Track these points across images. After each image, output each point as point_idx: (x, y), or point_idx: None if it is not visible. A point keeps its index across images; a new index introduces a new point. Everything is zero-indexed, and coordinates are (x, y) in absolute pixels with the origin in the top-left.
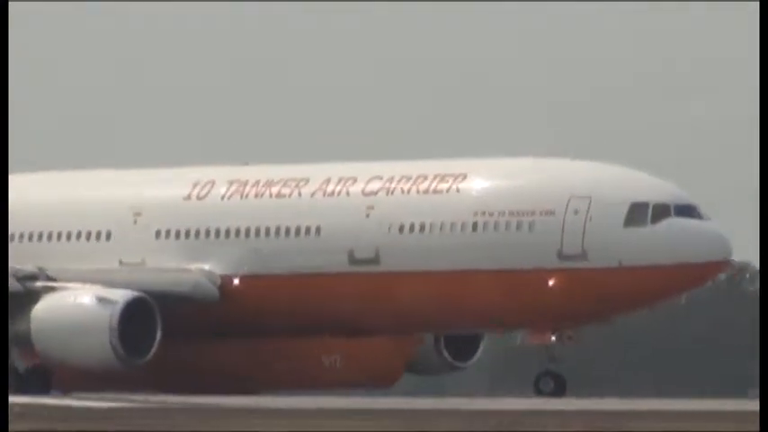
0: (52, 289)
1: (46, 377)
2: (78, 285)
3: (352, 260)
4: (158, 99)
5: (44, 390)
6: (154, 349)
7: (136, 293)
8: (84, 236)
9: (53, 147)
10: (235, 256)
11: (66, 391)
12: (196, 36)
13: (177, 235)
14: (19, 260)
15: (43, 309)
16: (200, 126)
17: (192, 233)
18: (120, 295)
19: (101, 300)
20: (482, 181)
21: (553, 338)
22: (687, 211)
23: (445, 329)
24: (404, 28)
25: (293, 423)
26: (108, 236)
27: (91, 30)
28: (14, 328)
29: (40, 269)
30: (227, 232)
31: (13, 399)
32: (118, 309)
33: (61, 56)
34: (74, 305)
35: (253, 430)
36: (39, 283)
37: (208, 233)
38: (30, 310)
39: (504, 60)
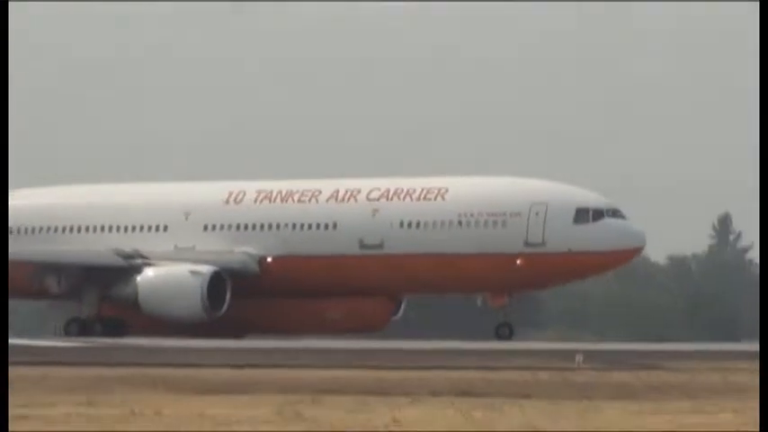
0: (149, 264)
1: (121, 325)
2: (167, 262)
3: (362, 246)
4: (194, 130)
5: (120, 334)
6: (225, 306)
7: (214, 268)
8: (146, 228)
9: (124, 165)
10: (267, 243)
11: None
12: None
13: (221, 228)
14: (106, 244)
15: (149, 278)
16: (227, 150)
17: (234, 226)
18: (205, 269)
19: (193, 272)
20: (463, 192)
21: (507, 300)
22: (615, 213)
23: (435, 293)
24: (394, 64)
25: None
26: (165, 228)
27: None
28: (119, 291)
29: (135, 250)
30: (261, 226)
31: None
32: (207, 278)
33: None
34: (174, 275)
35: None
36: (138, 260)
37: (246, 227)
38: (133, 279)
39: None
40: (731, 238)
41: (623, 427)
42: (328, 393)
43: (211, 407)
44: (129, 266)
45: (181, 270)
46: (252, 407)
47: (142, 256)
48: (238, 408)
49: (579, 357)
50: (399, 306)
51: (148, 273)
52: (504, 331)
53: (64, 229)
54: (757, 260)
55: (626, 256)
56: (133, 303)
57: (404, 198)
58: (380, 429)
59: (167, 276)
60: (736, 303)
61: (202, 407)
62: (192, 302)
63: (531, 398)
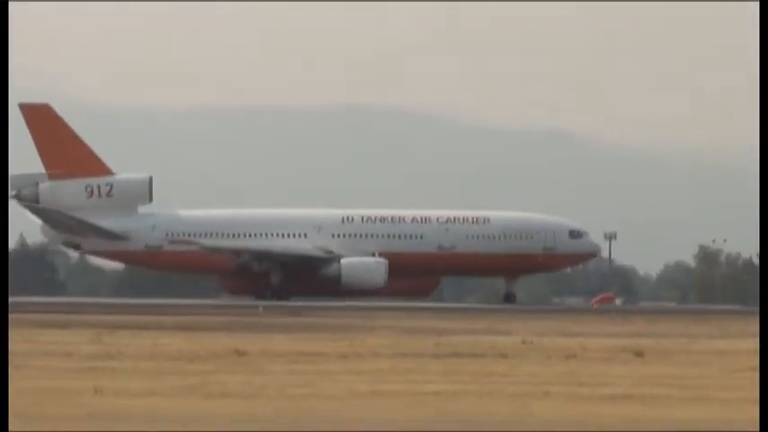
0: (341, 255)
1: (286, 291)
2: (350, 254)
3: (440, 248)
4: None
5: (287, 298)
6: (387, 279)
7: (383, 258)
8: (293, 235)
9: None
10: (372, 246)
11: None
12: None
13: (342, 236)
14: (270, 244)
15: (350, 263)
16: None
17: (350, 235)
18: (382, 259)
19: (376, 261)
20: (500, 219)
21: (515, 280)
22: (587, 234)
23: (482, 275)
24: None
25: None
26: (305, 235)
27: None
28: (324, 271)
29: (327, 247)
30: (368, 235)
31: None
32: (386, 264)
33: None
34: (367, 262)
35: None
36: (331, 254)
37: (357, 236)
38: (333, 264)
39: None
40: None
41: (285, 348)
42: (120, 329)
43: (54, 336)
44: (327, 257)
45: (370, 259)
46: (76, 335)
47: (331, 252)
48: (67, 336)
49: (260, 309)
50: (439, 282)
51: (348, 260)
52: (511, 297)
53: (243, 235)
54: None
55: (592, 256)
56: (335, 279)
57: (463, 222)
58: (148, 348)
59: (363, 262)
60: None
61: (51, 335)
62: (379, 278)
63: (233, 330)
